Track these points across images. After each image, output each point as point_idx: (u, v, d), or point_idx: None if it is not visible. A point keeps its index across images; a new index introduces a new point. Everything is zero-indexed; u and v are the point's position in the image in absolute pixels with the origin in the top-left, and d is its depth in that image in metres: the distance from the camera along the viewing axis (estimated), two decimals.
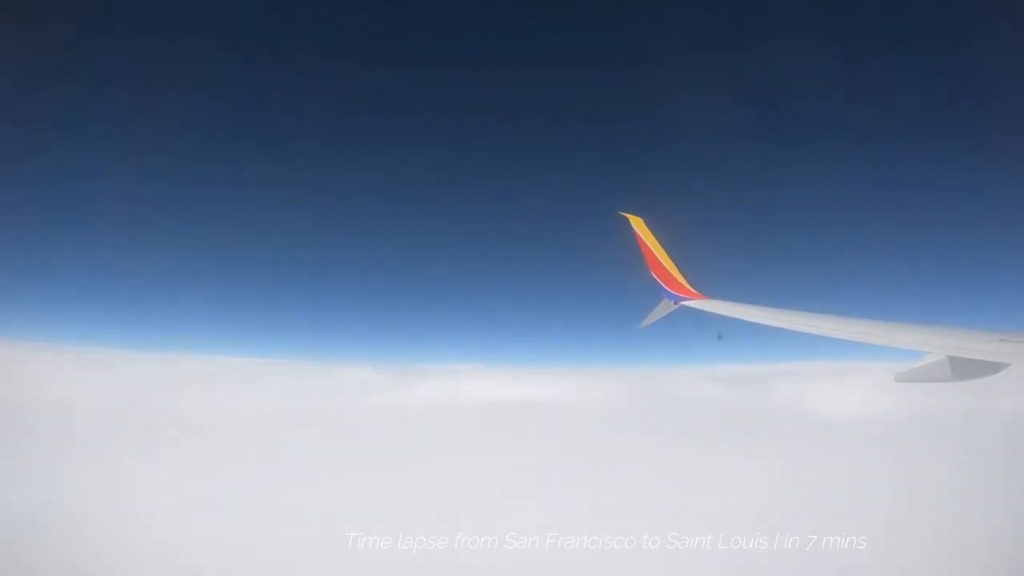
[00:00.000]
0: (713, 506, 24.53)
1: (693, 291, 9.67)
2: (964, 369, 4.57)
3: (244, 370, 48.81)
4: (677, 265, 10.06)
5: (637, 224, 10.55)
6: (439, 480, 28.45)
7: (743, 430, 34.19)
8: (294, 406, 39.55)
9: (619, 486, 27.42)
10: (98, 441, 28.49)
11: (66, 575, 18.81)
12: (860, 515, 22.49)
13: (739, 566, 20.63)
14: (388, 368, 53.69)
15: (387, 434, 35.04)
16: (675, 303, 9.71)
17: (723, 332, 8.38)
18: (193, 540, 21.79)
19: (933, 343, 4.93)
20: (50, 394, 33.61)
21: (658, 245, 10.31)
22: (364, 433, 35.25)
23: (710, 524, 22.48)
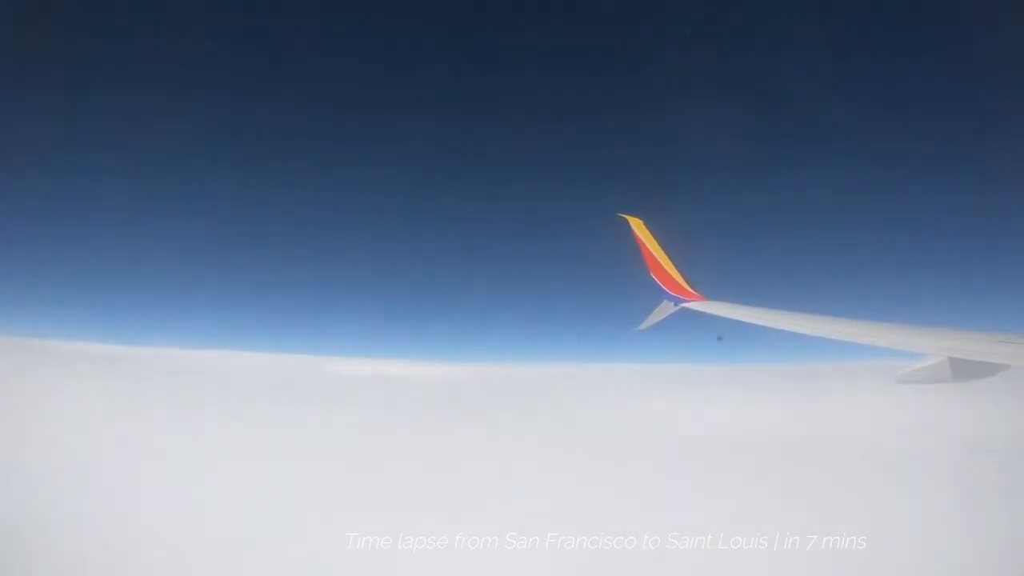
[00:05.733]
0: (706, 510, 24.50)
1: (693, 293, 9.63)
2: (964, 370, 4.58)
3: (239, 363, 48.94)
4: (677, 267, 10.01)
5: (637, 225, 10.51)
6: (436, 480, 28.40)
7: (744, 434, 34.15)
8: (291, 401, 39.48)
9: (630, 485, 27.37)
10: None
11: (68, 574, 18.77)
12: (860, 516, 22.48)
13: (739, 566, 20.60)
14: (385, 366, 53.76)
15: (383, 432, 34.99)
16: (675, 305, 9.66)
17: (723, 334, 8.36)
18: (189, 540, 21.74)
19: (933, 344, 4.94)
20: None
21: (658, 247, 10.26)
22: (365, 431, 35.18)
23: (710, 524, 22.46)
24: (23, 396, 33.57)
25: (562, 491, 25.71)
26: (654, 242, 10.28)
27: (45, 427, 29.57)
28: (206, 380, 43.99)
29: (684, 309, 9.38)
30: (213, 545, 20.86)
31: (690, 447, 31.68)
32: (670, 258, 10.11)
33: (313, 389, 45.20)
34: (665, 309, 9.85)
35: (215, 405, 37.32)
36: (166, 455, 27.95)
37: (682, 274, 9.89)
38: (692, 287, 9.72)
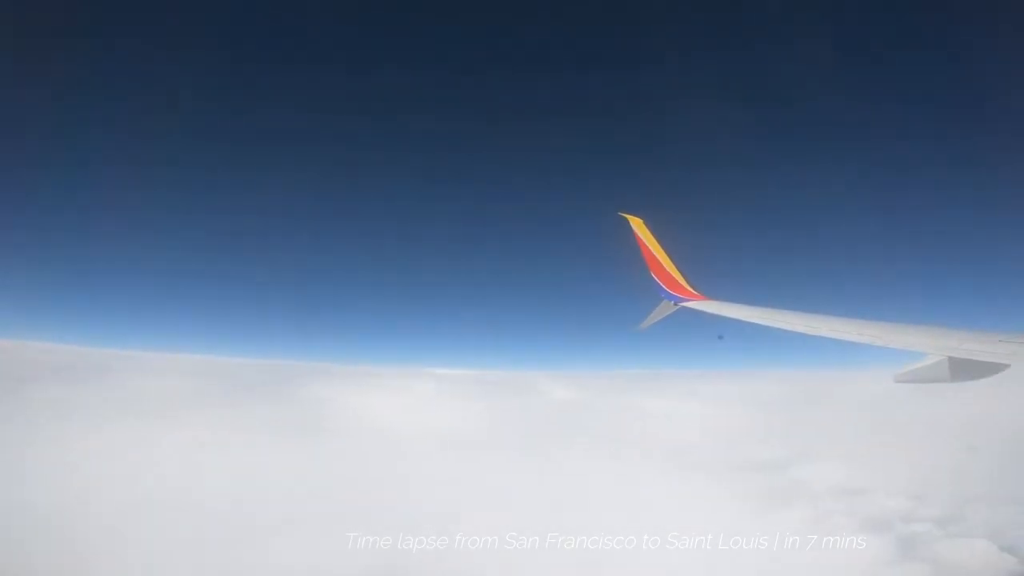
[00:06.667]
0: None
1: (693, 292, 9.62)
2: (963, 370, 4.58)
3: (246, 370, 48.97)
4: (677, 266, 10.00)
5: (637, 225, 10.49)
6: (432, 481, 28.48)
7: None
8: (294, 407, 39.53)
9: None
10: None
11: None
12: (859, 513, 22.52)
13: (739, 566, 20.65)
14: (378, 369, 53.85)
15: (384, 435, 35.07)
16: (675, 304, 9.65)
17: (723, 333, 8.35)
18: (186, 539, 21.80)
19: (932, 344, 4.94)
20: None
21: (658, 246, 10.25)
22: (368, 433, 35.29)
23: (710, 524, 22.52)
24: None
25: None
26: (654, 241, 10.27)
27: None
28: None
29: (684, 308, 9.38)
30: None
31: None
32: (670, 257, 10.10)
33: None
34: (665, 308, 9.84)
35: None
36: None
37: (682, 273, 9.88)
38: (692, 286, 9.71)
